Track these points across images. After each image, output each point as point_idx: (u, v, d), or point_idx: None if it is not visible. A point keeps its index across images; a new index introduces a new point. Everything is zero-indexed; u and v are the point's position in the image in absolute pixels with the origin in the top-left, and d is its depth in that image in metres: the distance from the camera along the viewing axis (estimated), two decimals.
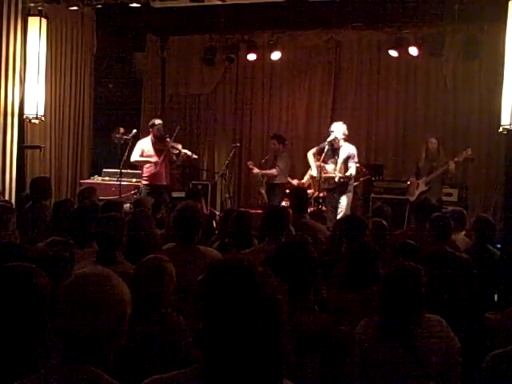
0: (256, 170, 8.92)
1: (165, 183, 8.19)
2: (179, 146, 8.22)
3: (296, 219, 5.09)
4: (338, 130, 7.69)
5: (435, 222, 4.50)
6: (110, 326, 1.74)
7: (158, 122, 8.17)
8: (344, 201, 7.64)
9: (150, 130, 8.20)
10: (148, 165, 8.05)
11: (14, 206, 5.82)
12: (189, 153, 8.44)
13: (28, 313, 2.21)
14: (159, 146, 8.05)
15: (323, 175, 7.65)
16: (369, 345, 2.67)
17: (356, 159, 7.73)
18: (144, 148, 8.09)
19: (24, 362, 2.11)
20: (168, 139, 8.08)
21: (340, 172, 7.58)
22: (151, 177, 8.04)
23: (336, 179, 7.55)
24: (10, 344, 2.14)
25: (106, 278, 1.80)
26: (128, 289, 1.87)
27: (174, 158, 8.22)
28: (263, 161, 9.04)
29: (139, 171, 8.56)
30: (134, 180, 8.77)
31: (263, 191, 8.97)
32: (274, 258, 2.57)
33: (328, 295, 3.53)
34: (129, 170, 8.72)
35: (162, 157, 7.97)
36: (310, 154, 8.07)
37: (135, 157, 8.16)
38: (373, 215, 5.54)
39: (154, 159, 8.03)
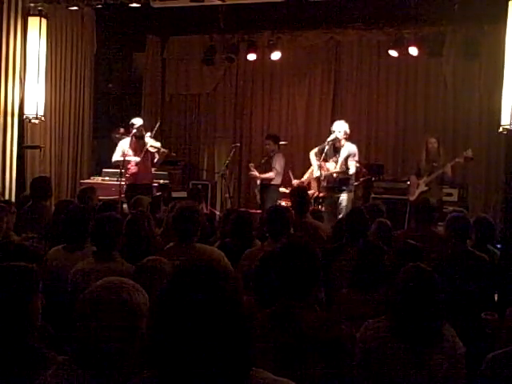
0: (255, 174, 8.84)
1: (146, 182, 8.17)
2: (158, 144, 8.20)
3: (297, 219, 5.09)
4: (339, 128, 7.68)
5: (455, 222, 4.48)
6: (120, 337, 1.78)
7: (137, 121, 8.14)
8: (344, 201, 7.62)
9: (130, 129, 8.18)
10: (129, 164, 8.02)
11: (13, 207, 5.81)
12: (166, 151, 8.43)
13: (16, 312, 2.22)
14: (137, 145, 8.04)
15: (323, 173, 7.64)
16: (376, 346, 2.66)
17: (356, 158, 7.70)
18: (124, 148, 8.07)
19: (15, 361, 2.13)
20: (148, 137, 8.06)
21: (341, 168, 7.57)
22: (132, 176, 8.03)
23: (334, 175, 7.54)
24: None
25: (121, 289, 1.84)
26: (145, 299, 1.90)
27: (156, 155, 8.21)
28: (263, 161, 9.01)
29: None
30: None
31: (257, 191, 8.92)
32: (277, 257, 2.57)
33: (337, 296, 3.53)
34: None
35: (142, 155, 7.94)
36: (312, 154, 8.05)
37: (115, 157, 8.15)
38: (367, 213, 5.53)
39: (133, 159, 8.01)
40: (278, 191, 8.77)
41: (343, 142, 7.68)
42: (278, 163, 8.69)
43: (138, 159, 7.95)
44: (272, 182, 8.72)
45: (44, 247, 3.67)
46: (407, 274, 2.72)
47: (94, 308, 1.80)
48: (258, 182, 8.82)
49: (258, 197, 8.83)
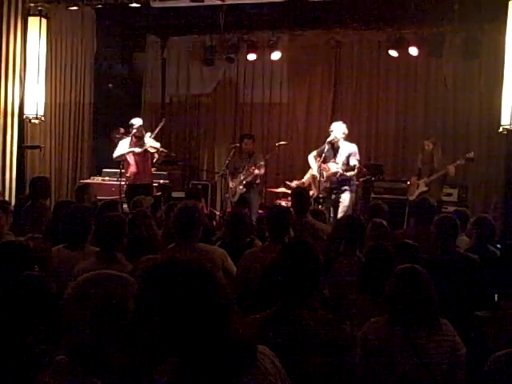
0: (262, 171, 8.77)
1: (147, 182, 8.18)
2: (157, 145, 8.21)
3: (297, 219, 5.09)
4: (338, 129, 7.68)
5: (441, 223, 4.48)
6: (107, 327, 1.77)
7: (136, 121, 8.14)
8: (346, 201, 7.60)
9: (130, 129, 8.18)
10: (129, 164, 8.02)
11: (11, 206, 5.81)
12: (166, 151, 8.45)
13: (41, 317, 2.26)
14: (137, 145, 8.04)
15: (325, 174, 7.63)
16: (376, 342, 2.69)
17: (357, 156, 7.69)
18: (124, 147, 8.09)
19: (15, 360, 2.14)
20: (148, 137, 8.06)
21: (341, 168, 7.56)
22: (132, 176, 8.04)
23: (338, 174, 7.51)
24: (22, 345, 2.18)
25: (104, 282, 1.83)
26: (134, 292, 1.89)
27: (156, 155, 8.21)
28: (250, 162, 8.90)
29: None
30: None
31: (239, 190, 8.81)
32: (279, 258, 2.56)
33: (345, 301, 3.53)
34: None
35: (142, 151, 7.95)
36: (311, 157, 8.02)
37: (117, 153, 8.14)
38: (369, 213, 5.53)
39: (133, 158, 8.01)
40: (259, 189, 8.79)
41: (341, 141, 7.69)
42: (262, 161, 8.68)
43: (139, 150, 7.94)
44: (257, 181, 8.73)
45: (48, 247, 3.68)
46: (399, 273, 2.85)
47: (77, 302, 1.78)
48: (244, 181, 8.74)
49: (238, 197, 8.70)
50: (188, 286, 1.56)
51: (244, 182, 8.69)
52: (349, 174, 7.53)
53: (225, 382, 1.58)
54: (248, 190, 8.66)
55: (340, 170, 7.48)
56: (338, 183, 7.61)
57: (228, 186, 8.92)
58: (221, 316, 1.59)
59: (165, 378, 1.67)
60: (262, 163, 8.64)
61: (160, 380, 1.69)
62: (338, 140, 7.64)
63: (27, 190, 7.08)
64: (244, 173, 8.70)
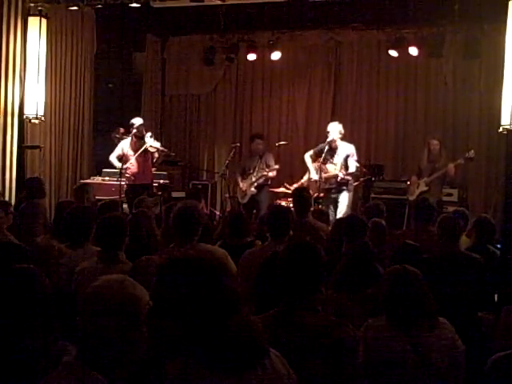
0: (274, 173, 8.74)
1: (147, 182, 8.18)
2: (157, 144, 8.22)
3: (298, 219, 5.09)
4: (335, 129, 7.71)
5: (445, 222, 4.48)
6: (121, 329, 1.80)
7: (136, 121, 8.14)
8: (344, 200, 7.63)
9: (130, 129, 8.18)
10: (128, 164, 8.01)
11: (12, 207, 5.80)
12: (166, 150, 8.46)
13: (30, 313, 2.24)
14: (138, 145, 8.04)
15: (324, 175, 7.64)
16: (375, 345, 2.69)
17: (355, 157, 7.72)
18: (124, 147, 8.09)
19: (24, 361, 2.13)
20: (148, 137, 8.06)
21: (341, 171, 7.57)
22: (132, 176, 8.03)
23: (339, 178, 7.53)
24: (12, 344, 2.17)
25: (122, 285, 1.88)
26: (145, 295, 1.93)
27: (156, 154, 8.22)
28: (261, 163, 8.90)
29: None
30: None
31: (250, 191, 8.77)
32: (281, 258, 2.56)
33: (326, 296, 3.52)
34: None
35: (136, 155, 7.93)
36: (308, 157, 8.04)
37: (112, 157, 8.16)
38: (367, 213, 5.53)
39: (131, 159, 8.00)
40: (269, 190, 8.78)
41: (338, 142, 7.70)
42: (273, 161, 8.65)
43: (125, 165, 7.92)
44: (268, 182, 8.72)
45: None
46: (389, 274, 2.90)
47: (96, 305, 1.82)
48: (256, 183, 8.71)
49: (248, 198, 8.69)
50: (201, 280, 1.66)
51: (255, 184, 8.66)
52: (348, 177, 7.58)
53: (233, 376, 1.61)
54: (259, 192, 8.64)
55: (341, 175, 7.50)
56: (336, 183, 7.65)
57: (235, 186, 8.87)
58: (231, 309, 1.67)
59: (174, 373, 1.70)
60: (277, 166, 8.58)
61: (170, 375, 1.71)
62: (336, 140, 7.67)
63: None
64: (255, 174, 8.67)
